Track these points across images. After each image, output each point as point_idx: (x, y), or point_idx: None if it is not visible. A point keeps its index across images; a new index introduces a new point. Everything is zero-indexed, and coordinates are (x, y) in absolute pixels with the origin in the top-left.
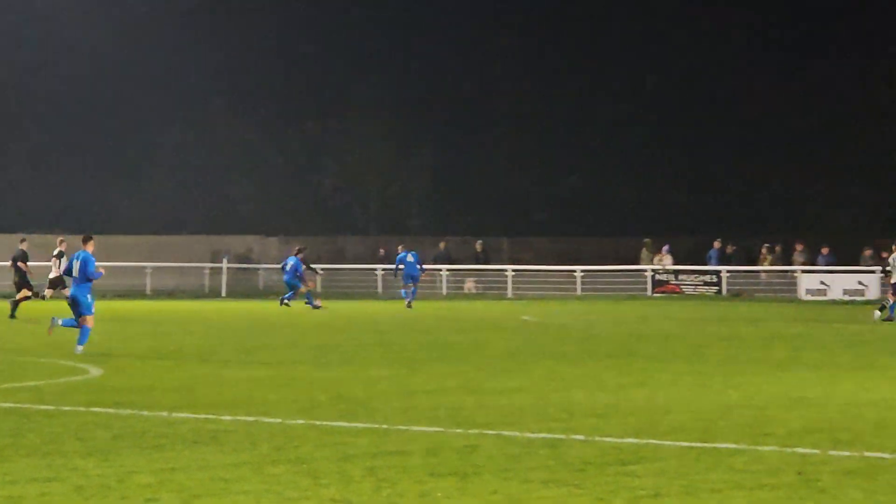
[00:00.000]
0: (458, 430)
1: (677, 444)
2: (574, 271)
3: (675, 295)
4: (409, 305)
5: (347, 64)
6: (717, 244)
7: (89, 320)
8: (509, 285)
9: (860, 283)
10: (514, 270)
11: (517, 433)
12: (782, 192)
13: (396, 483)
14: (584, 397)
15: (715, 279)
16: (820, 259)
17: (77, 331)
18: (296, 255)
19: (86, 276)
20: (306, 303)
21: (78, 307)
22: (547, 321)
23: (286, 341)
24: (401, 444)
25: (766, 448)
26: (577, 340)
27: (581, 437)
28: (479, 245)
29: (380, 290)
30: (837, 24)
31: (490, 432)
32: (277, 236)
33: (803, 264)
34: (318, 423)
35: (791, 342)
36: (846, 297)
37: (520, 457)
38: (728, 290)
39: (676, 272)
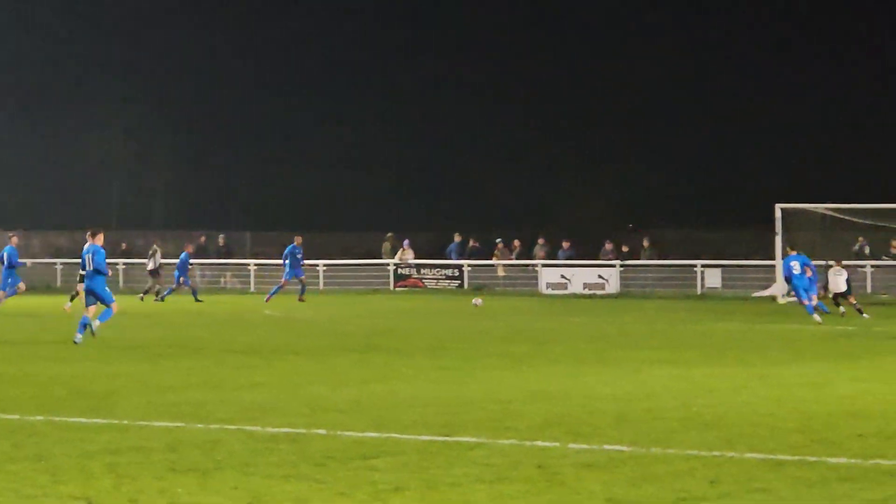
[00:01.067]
0: (200, 426)
1: (419, 437)
2: (317, 265)
3: (418, 289)
4: (161, 298)
5: (83, 55)
6: (457, 238)
7: (114, 307)
8: (252, 279)
9: (600, 276)
10: (256, 265)
11: (259, 428)
12: (525, 187)
13: (137, 479)
14: (327, 392)
15: (457, 273)
16: (560, 253)
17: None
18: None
19: (97, 269)
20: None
21: (100, 298)
22: (290, 315)
23: (26, 337)
24: (142, 440)
25: (506, 442)
26: (320, 335)
27: (323, 431)
28: (221, 239)
29: (121, 284)
30: (540, 29)
31: (232, 427)
32: (16, 230)
33: (544, 258)
34: (57, 419)
35: (532, 336)
36: (586, 291)
37: (261, 452)
38: (470, 284)
39: (418, 266)
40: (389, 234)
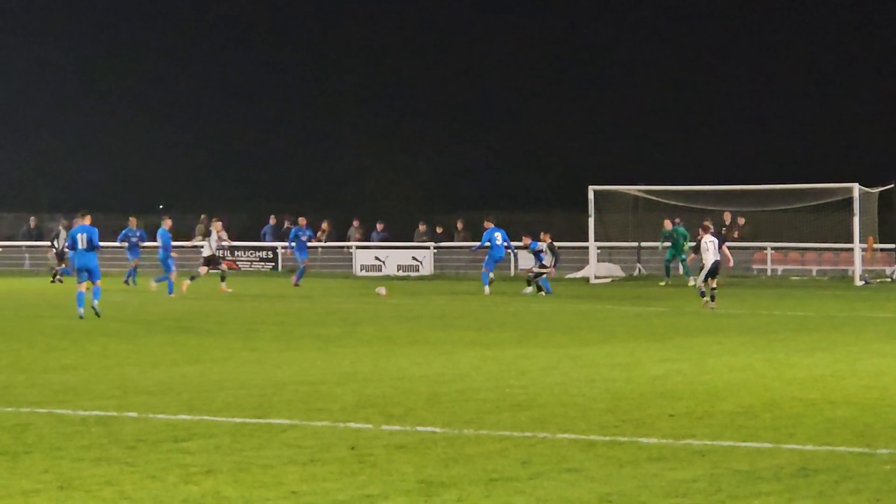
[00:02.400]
0: (9, 409)
1: (231, 420)
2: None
3: (232, 271)
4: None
5: None
6: (272, 220)
7: (99, 283)
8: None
9: (414, 258)
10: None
11: (69, 411)
12: (340, 169)
13: None
14: (138, 374)
15: (271, 255)
16: (374, 235)
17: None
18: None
19: (93, 246)
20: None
21: (93, 274)
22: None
23: None
24: None
25: (319, 423)
26: (131, 317)
27: (134, 414)
28: (32, 221)
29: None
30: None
31: (42, 410)
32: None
33: (359, 240)
34: None
35: (345, 318)
36: (400, 273)
37: (72, 435)
38: (284, 266)
39: (232, 248)
40: (203, 216)
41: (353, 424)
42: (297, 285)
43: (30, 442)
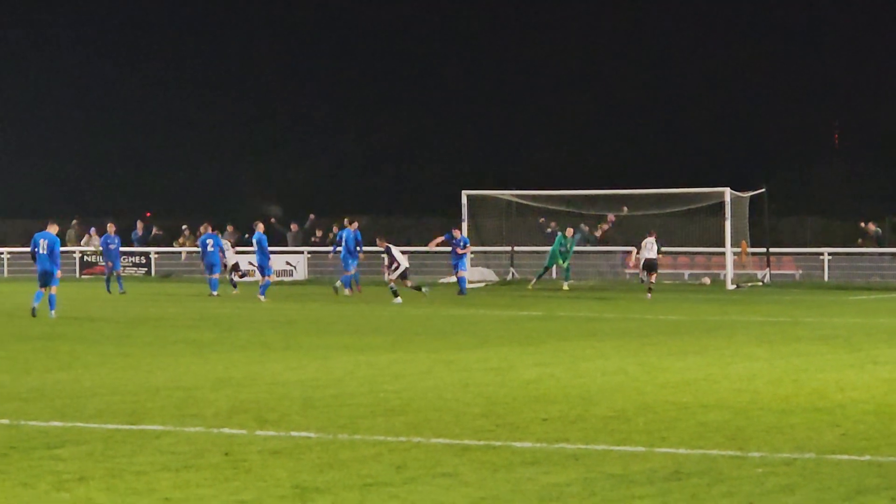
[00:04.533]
0: None
1: (104, 426)
2: (1, 254)
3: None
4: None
5: None
6: (140, 225)
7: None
8: None
9: (288, 263)
10: None
11: None
12: (214, 175)
13: None
14: (9, 380)
15: (143, 260)
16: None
17: None
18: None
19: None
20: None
21: (51, 279)
22: None
23: None
24: None
25: (192, 429)
26: (1, 323)
27: (6, 421)
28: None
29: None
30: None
31: None
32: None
33: (233, 245)
34: None
35: (219, 322)
36: (276, 278)
37: None
38: (158, 271)
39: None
40: (74, 221)
41: (227, 430)
42: (353, 292)
43: None
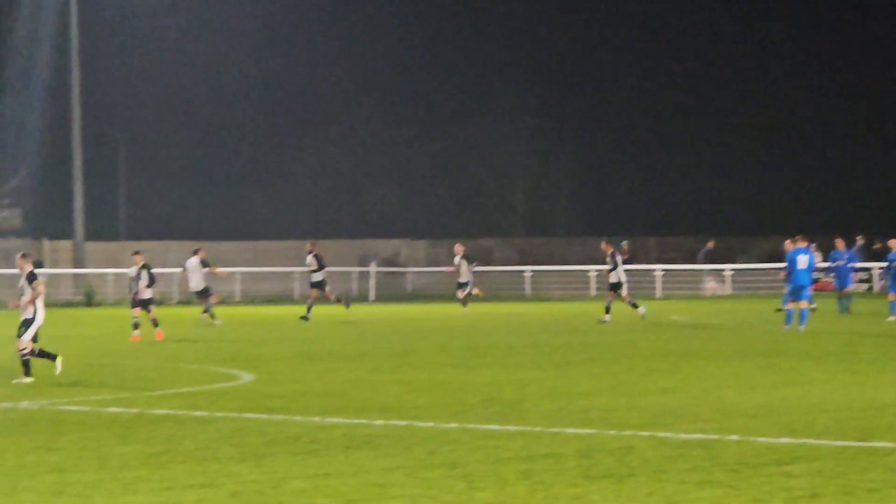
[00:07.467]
0: (612, 432)
1: (833, 443)
2: (723, 270)
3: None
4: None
5: (490, 65)
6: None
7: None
8: (658, 285)
9: None
10: (663, 270)
11: (671, 434)
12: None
13: (551, 486)
14: (736, 397)
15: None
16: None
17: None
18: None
19: None
20: None
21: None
22: (697, 321)
23: (435, 344)
24: (554, 447)
25: None
26: (727, 339)
27: (735, 437)
28: (625, 245)
29: (527, 291)
30: None
31: (644, 433)
32: (425, 239)
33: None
34: (470, 426)
35: None
36: None
37: (674, 458)
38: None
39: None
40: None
41: None
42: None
43: (633, 465)
